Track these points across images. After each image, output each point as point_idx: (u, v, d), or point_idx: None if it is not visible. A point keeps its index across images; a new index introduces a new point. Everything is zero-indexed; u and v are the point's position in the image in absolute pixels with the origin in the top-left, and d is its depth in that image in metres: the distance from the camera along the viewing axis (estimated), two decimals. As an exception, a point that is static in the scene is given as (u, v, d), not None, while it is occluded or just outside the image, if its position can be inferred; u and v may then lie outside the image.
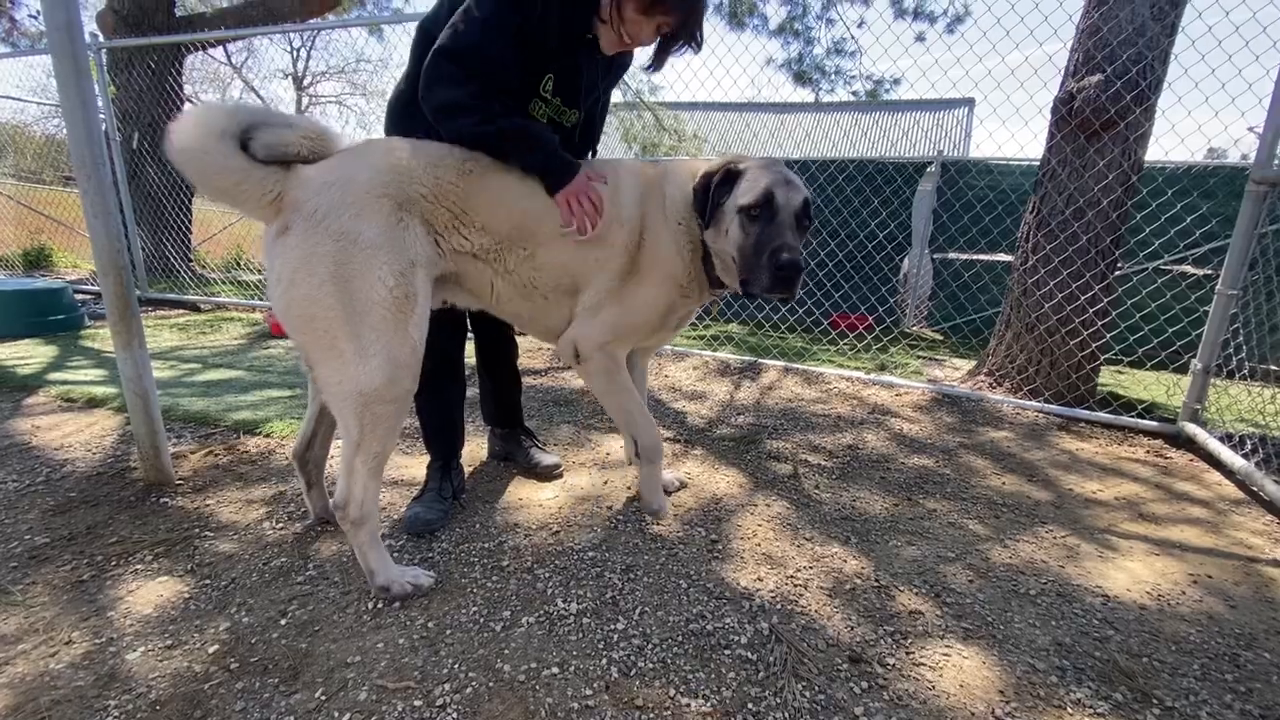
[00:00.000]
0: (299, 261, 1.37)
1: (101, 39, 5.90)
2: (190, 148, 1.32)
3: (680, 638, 1.43)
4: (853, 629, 1.48)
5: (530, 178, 1.63)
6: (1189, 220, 4.19)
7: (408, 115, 1.73)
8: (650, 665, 1.34)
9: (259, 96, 20.50)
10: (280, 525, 1.89)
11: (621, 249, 1.72)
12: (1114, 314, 3.36)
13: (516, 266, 1.65)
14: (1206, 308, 2.97)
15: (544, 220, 1.64)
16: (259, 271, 7.34)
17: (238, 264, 7.99)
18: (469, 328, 2.12)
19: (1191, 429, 2.88)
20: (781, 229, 1.60)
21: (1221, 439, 2.71)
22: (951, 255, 6.27)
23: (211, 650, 1.36)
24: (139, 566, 1.66)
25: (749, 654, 1.38)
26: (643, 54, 1.87)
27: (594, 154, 2.10)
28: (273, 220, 1.41)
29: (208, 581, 1.60)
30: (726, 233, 1.67)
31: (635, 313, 1.77)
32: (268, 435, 2.57)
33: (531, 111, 1.74)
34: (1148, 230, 3.94)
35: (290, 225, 1.37)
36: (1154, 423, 3.03)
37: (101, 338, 4.31)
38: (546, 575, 1.66)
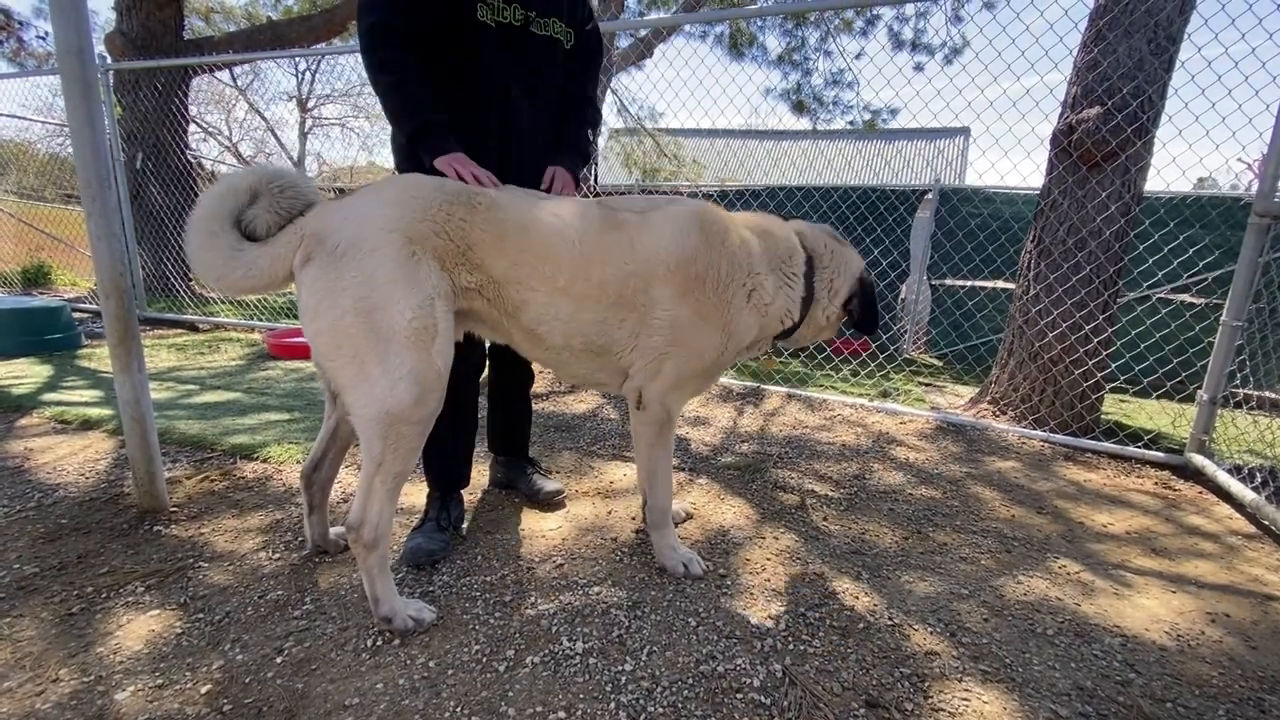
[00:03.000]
0: (322, 294, 1.39)
1: (109, 61, 5.96)
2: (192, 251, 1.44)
3: (690, 680, 1.38)
4: (868, 671, 1.44)
5: (526, 218, 1.56)
6: (1191, 252, 4.21)
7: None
8: (660, 710, 1.29)
9: (263, 117, 20.70)
10: (277, 556, 1.84)
11: (660, 305, 1.62)
12: (1118, 344, 3.36)
13: (515, 312, 1.58)
14: (1211, 338, 2.96)
15: (537, 266, 1.55)
16: (258, 291, 7.32)
17: (237, 283, 7.98)
18: (486, 361, 2.10)
19: (1199, 460, 2.85)
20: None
21: (1230, 471, 2.69)
22: (949, 282, 6.30)
23: (204, 690, 1.31)
24: (130, 599, 1.61)
25: (762, 698, 1.34)
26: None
27: (593, 112, 2.07)
28: (292, 258, 1.43)
29: (201, 615, 1.55)
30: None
31: (695, 355, 1.69)
32: (265, 460, 2.52)
33: (480, 16, 1.71)
34: (1151, 261, 3.96)
35: (312, 256, 1.40)
36: (1161, 454, 3.00)
37: (98, 357, 4.27)
38: (551, 612, 1.61)
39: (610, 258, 1.59)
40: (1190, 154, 3.07)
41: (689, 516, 2.18)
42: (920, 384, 4.82)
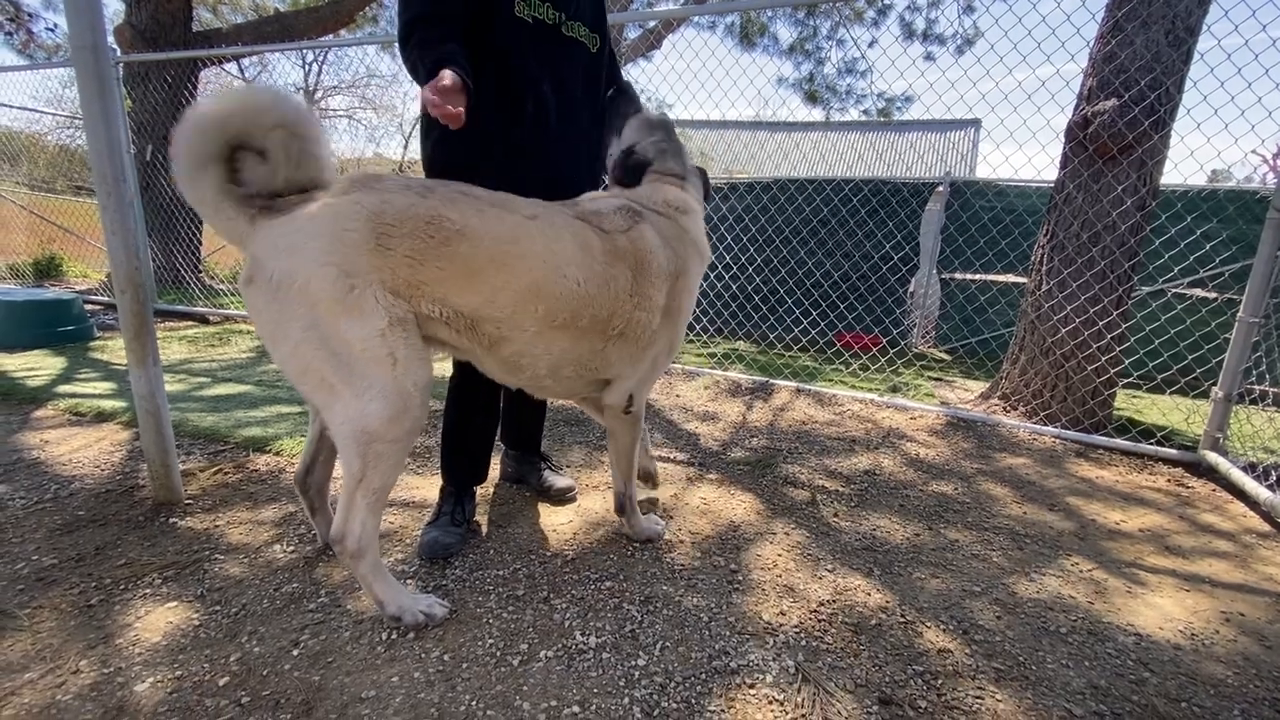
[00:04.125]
0: (272, 324, 1.34)
1: (119, 53, 5.96)
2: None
3: (704, 675, 1.38)
4: (881, 668, 1.44)
5: (506, 251, 1.42)
6: (1208, 246, 4.16)
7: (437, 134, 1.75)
8: (674, 705, 1.30)
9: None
10: (290, 548, 1.86)
11: (658, 317, 1.67)
12: (1132, 340, 3.33)
13: (492, 346, 1.49)
14: (1226, 334, 2.93)
15: (526, 304, 1.45)
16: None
17: (246, 275, 8.01)
18: None
19: (1213, 458, 2.83)
20: None
21: (1244, 469, 2.67)
22: (960, 276, 6.25)
23: (222, 682, 1.32)
24: (147, 590, 1.63)
25: (775, 693, 1.34)
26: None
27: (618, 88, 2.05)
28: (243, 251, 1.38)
29: (217, 608, 1.57)
30: None
31: (675, 346, 1.80)
32: (277, 453, 2.54)
33: (517, 12, 1.71)
34: (1167, 256, 3.92)
35: (254, 278, 1.33)
36: (1174, 450, 2.98)
37: (110, 349, 4.30)
38: (563, 606, 1.62)
39: (618, 292, 1.56)
40: (1209, 148, 3.02)
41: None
42: (930, 379, 4.79)
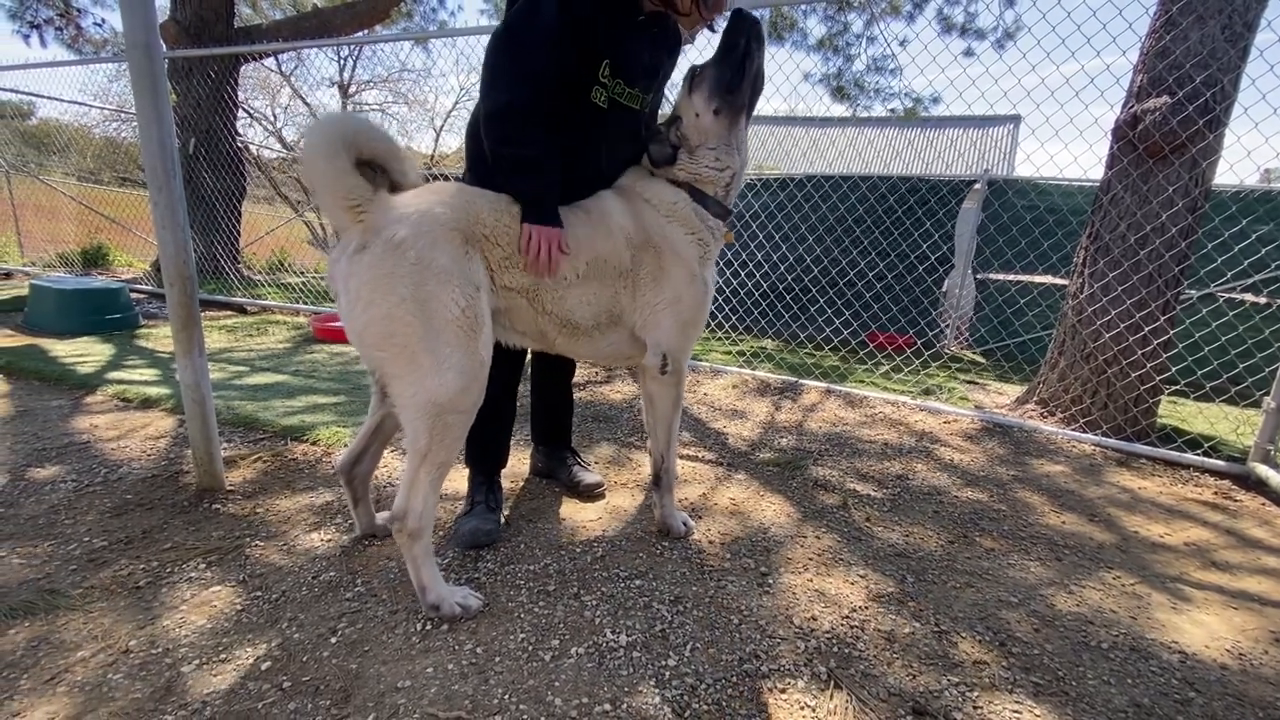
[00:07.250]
0: (377, 280, 1.43)
1: (164, 49, 6.12)
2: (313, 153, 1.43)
3: (734, 678, 1.38)
4: (915, 678, 1.42)
5: (567, 220, 1.68)
6: (1263, 251, 3.99)
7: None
8: (705, 707, 1.30)
9: (305, 104, 21.05)
10: (328, 537, 1.90)
11: (638, 263, 1.78)
12: (1180, 346, 3.22)
13: (554, 306, 1.71)
14: (1281, 343, 2.82)
15: (567, 265, 1.68)
16: (301, 274, 7.51)
17: (281, 266, 8.18)
18: (527, 350, 2.13)
19: (1263, 470, 2.73)
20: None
21: (1297, 483, 2.57)
22: (996, 276, 6.10)
23: (264, 667, 1.36)
24: (193, 574, 1.68)
25: (807, 699, 1.33)
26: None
27: None
28: (348, 232, 1.47)
29: (259, 594, 1.61)
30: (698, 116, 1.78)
31: (690, 305, 1.84)
32: (314, 442, 2.60)
33: (593, 98, 1.74)
34: (1219, 260, 3.78)
35: (368, 245, 1.44)
36: (1221, 462, 2.88)
37: (155, 337, 4.44)
38: (594, 603, 1.63)
39: (631, 239, 1.77)
40: (1266, 148, 2.90)
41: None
42: (964, 382, 4.70)
